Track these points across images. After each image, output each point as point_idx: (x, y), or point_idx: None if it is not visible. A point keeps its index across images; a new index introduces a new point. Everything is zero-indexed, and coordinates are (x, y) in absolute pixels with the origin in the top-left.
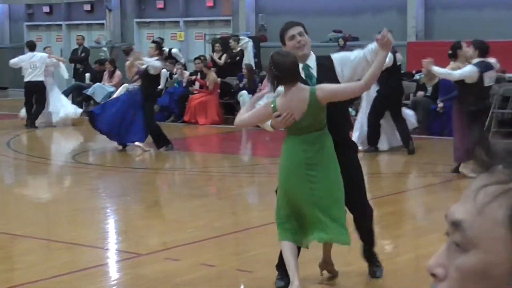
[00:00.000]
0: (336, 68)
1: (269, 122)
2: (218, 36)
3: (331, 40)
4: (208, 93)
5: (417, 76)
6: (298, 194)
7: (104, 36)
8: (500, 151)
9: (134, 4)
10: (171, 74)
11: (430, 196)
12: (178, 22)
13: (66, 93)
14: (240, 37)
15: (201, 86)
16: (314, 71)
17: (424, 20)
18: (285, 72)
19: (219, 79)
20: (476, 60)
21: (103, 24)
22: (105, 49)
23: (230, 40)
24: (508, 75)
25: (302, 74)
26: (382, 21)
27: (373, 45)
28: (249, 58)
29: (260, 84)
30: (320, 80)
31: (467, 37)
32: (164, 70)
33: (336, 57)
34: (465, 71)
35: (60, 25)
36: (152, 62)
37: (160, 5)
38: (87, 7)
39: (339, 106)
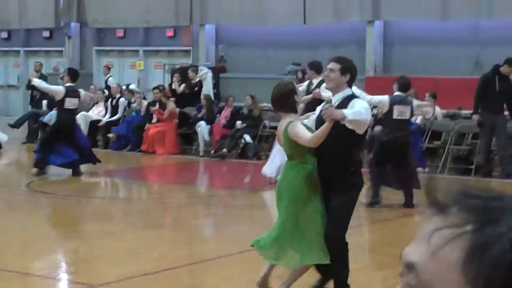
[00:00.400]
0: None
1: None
2: (178, 66)
3: (290, 73)
4: (166, 122)
5: (375, 111)
6: None
7: (63, 64)
8: (455, 193)
9: (94, 32)
10: (129, 103)
11: (385, 230)
12: (137, 51)
13: (22, 120)
14: (199, 68)
15: (158, 120)
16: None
17: (383, 55)
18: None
19: (177, 109)
20: (396, 93)
21: (62, 51)
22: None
23: (189, 71)
24: (464, 111)
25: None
26: (341, 55)
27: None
28: (208, 89)
29: (218, 115)
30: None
31: (424, 73)
32: (122, 99)
33: (355, 101)
34: (377, 98)
35: (18, 51)
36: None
37: (120, 33)
38: (46, 33)
39: (333, 144)
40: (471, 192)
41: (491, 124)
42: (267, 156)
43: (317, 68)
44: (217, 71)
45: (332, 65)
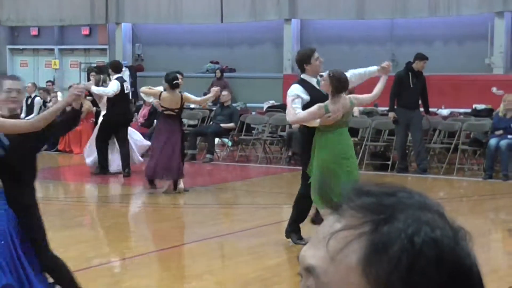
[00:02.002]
0: None
1: (318, 120)
2: (94, 65)
3: (208, 71)
4: (83, 122)
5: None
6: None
7: None
8: (349, 192)
9: (7, 31)
10: (44, 102)
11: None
12: (53, 49)
13: None
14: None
15: None
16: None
17: None
18: (342, 85)
19: (94, 108)
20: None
21: None
22: None
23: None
24: (380, 108)
25: (317, 85)
26: (259, 53)
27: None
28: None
29: (136, 114)
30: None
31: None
32: (37, 98)
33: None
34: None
35: None
36: None
37: (34, 32)
38: None
39: None
40: (364, 189)
41: (407, 120)
42: (186, 154)
43: (114, 67)
44: (134, 69)
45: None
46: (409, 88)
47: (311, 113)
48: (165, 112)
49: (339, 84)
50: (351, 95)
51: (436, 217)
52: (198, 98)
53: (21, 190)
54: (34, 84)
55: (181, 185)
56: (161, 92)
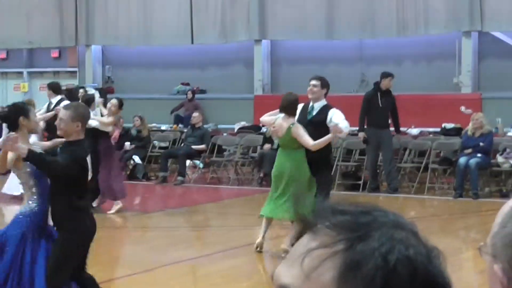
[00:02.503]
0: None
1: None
2: (64, 87)
3: (178, 93)
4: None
5: (264, 129)
6: None
7: None
8: (323, 210)
9: None
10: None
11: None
12: (21, 72)
13: None
14: (87, 89)
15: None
16: (314, 111)
17: (270, 74)
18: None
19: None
20: None
21: None
22: None
23: (80, 90)
24: (351, 128)
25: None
26: (229, 74)
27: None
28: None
29: None
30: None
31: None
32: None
33: (333, 111)
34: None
35: None
36: None
37: (2, 55)
38: None
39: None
40: (338, 208)
41: (377, 140)
42: (157, 177)
43: (54, 88)
44: (104, 92)
45: (314, 82)
46: (378, 108)
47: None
48: None
49: (285, 105)
50: (296, 126)
51: (410, 236)
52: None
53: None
54: (2, 108)
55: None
56: None
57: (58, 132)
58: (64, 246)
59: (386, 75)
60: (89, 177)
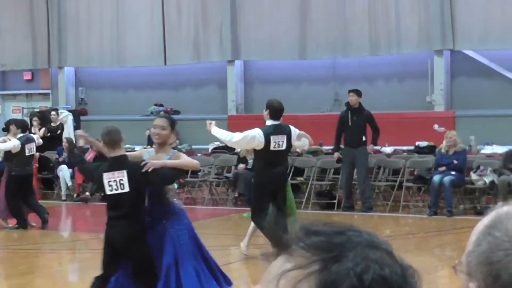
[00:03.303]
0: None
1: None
2: (37, 110)
3: (152, 114)
4: None
5: (238, 150)
6: None
7: None
8: (297, 232)
9: None
10: None
11: (254, 268)
12: None
13: None
14: (60, 111)
15: None
16: None
17: (244, 94)
18: None
19: (37, 153)
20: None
21: None
22: None
23: (53, 112)
24: (325, 147)
25: None
26: (203, 95)
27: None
28: (69, 132)
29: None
30: None
31: (285, 111)
32: None
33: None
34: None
35: None
36: None
37: None
38: None
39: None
40: (312, 229)
41: (352, 158)
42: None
43: (22, 127)
44: (78, 113)
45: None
46: (349, 126)
47: None
48: None
49: None
50: None
51: (385, 255)
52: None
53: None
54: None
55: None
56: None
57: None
58: None
59: (349, 91)
60: None
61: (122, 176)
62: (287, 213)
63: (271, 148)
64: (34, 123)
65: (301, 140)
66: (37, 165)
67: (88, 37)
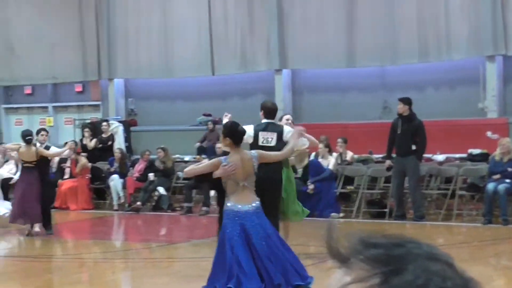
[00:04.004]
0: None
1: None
2: (88, 121)
3: (200, 124)
4: (79, 178)
5: None
6: None
7: None
8: (355, 243)
9: (1, 91)
10: None
11: None
12: (46, 107)
13: None
14: (110, 122)
15: (71, 176)
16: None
17: (292, 103)
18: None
19: (89, 164)
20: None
21: None
22: None
23: (104, 123)
24: (375, 156)
25: None
26: (251, 104)
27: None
28: (120, 142)
29: (131, 168)
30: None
31: (333, 119)
32: None
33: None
34: None
35: None
36: None
37: (28, 90)
38: None
39: None
40: (371, 241)
41: (402, 167)
42: (182, 208)
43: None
44: (128, 124)
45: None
46: (397, 135)
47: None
48: (24, 165)
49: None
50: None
51: (446, 268)
52: (52, 152)
53: None
54: None
55: (36, 228)
56: (20, 147)
57: None
58: None
59: (399, 100)
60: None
61: None
62: (279, 209)
63: (260, 143)
64: (86, 134)
65: (299, 140)
66: (89, 175)
67: (137, 49)
